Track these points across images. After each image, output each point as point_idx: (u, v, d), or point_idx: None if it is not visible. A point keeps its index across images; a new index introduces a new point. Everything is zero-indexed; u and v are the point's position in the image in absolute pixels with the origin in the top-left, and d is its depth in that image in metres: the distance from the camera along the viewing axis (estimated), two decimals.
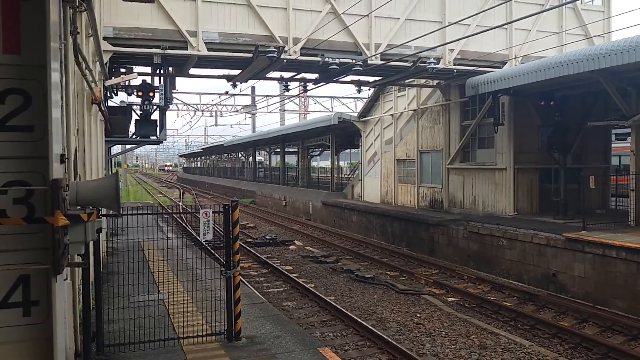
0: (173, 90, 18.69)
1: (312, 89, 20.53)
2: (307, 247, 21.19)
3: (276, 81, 20.70)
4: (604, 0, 19.69)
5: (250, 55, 14.71)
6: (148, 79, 17.94)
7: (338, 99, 41.04)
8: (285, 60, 15.06)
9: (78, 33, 6.38)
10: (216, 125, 53.98)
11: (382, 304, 12.60)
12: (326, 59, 15.32)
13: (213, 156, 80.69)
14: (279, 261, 17.98)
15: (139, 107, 17.46)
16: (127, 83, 17.33)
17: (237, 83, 18.55)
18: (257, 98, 44.31)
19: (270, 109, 44.87)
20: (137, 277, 7.24)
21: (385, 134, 25.42)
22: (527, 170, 18.11)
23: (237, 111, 43.56)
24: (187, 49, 14.39)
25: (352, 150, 42.75)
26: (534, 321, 11.13)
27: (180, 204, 39.19)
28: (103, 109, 12.90)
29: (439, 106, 21.18)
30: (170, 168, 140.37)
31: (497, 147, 18.43)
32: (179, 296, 9.21)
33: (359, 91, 20.96)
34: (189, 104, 41.33)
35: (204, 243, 16.84)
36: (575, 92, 16.27)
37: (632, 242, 11.72)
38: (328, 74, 16.83)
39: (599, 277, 12.26)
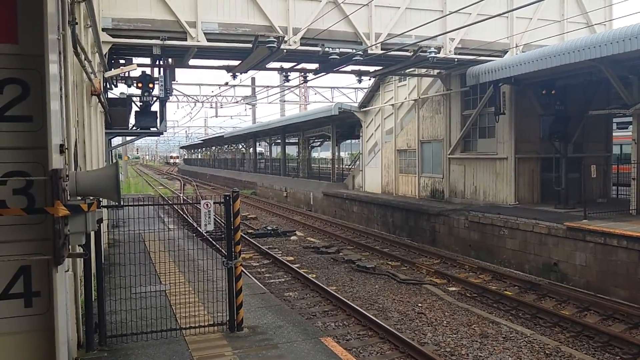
0: (173, 82, 18.60)
1: (312, 80, 20.43)
2: (308, 238, 21.21)
3: (276, 72, 20.62)
4: None
5: (249, 45, 14.63)
6: (148, 70, 17.87)
7: (338, 90, 40.91)
8: (285, 51, 14.98)
9: (76, 24, 6.34)
10: (216, 116, 54.16)
11: (383, 294, 12.62)
12: (326, 49, 15.24)
13: (213, 147, 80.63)
14: (280, 252, 18.00)
15: (138, 98, 17.40)
16: (126, 74, 17.26)
17: (237, 74, 18.48)
18: (257, 89, 44.17)
19: (271, 99, 44.75)
20: (138, 268, 7.26)
21: (386, 124, 25.35)
22: (528, 160, 18.07)
23: (237, 102, 43.47)
24: (186, 40, 14.33)
25: (353, 141, 42.68)
26: (535, 310, 11.14)
27: (182, 195, 39.24)
28: (103, 100, 12.87)
29: (440, 96, 21.10)
30: (177, 160, 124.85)
31: (498, 136, 18.38)
32: (181, 287, 9.25)
33: (360, 81, 20.89)
34: (189, 95, 41.29)
35: (205, 234, 16.87)
36: (576, 81, 16.20)
37: (634, 230, 11.71)
38: (328, 64, 16.75)
39: (600, 266, 12.26)
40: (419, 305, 11.71)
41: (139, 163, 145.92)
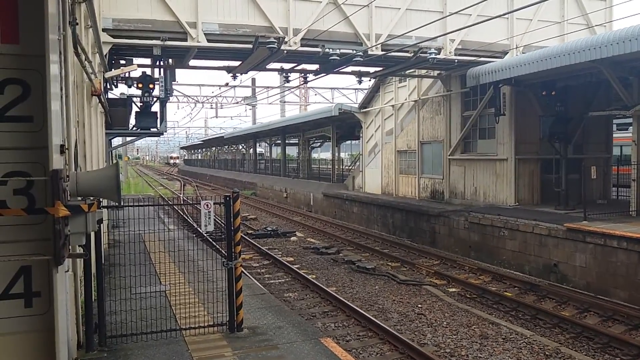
0: (173, 82, 18.62)
1: (312, 80, 20.44)
2: (308, 239, 21.20)
3: (276, 72, 20.64)
4: None
5: (250, 46, 14.64)
6: (148, 71, 17.89)
7: (339, 90, 40.95)
8: (285, 51, 14.99)
9: (77, 24, 6.34)
10: (217, 117, 54.17)
11: (383, 295, 12.62)
12: (327, 50, 15.24)
13: (214, 148, 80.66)
14: (280, 252, 18.00)
15: (139, 99, 17.42)
16: (127, 75, 17.27)
17: (237, 74, 18.49)
18: (257, 89, 44.21)
19: (271, 100, 44.80)
20: (138, 268, 7.26)
21: (386, 124, 25.36)
22: (528, 161, 18.07)
23: (237, 103, 43.50)
24: (186, 41, 14.34)
25: (353, 142, 42.68)
26: (535, 311, 11.14)
27: (182, 195, 39.24)
28: (103, 100, 12.87)
29: (440, 97, 21.11)
30: (178, 161, 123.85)
31: (498, 137, 18.39)
32: (181, 287, 9.25)
33: (360, 82, 20.87)
34: (189, 96, 41.32)
35: (205, 235, 16.87)
36: (576, 82, 16.20)
37: (634, 232, 11.70)
38: (328, 65, 16.75)
39: (600, 267, 12.26)
40: (419, 306, 11.70)
41: (139, 163, 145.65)
